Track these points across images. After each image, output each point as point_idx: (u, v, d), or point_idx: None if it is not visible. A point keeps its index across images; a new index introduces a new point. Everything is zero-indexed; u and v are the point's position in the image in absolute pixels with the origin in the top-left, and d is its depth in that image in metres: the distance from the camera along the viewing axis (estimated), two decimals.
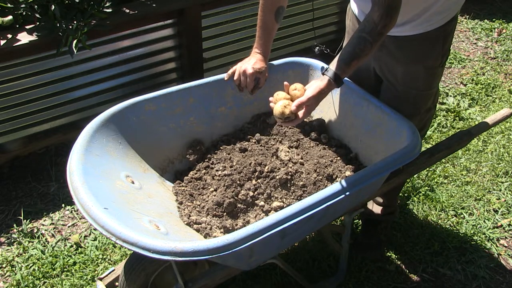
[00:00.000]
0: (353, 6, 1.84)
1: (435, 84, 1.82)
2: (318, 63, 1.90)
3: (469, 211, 2.47)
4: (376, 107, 1.71)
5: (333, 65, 1.48)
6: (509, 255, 2.26)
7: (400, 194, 2.47)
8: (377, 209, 2.20)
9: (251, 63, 1.77)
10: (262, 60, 1.79)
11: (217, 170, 1.69)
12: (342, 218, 2.03)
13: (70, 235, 2.30)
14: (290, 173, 1.64)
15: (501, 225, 2.40)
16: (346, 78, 1.78)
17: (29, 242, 2.24)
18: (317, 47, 2.94)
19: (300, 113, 1.47)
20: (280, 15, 1.75)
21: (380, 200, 2.18)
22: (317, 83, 1.49)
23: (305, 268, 2.13)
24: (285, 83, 1.59)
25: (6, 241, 2.25)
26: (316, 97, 1.48)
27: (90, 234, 2.30)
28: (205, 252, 1.17)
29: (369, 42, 1.43)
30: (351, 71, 1.49)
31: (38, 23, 2.28)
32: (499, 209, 2.48)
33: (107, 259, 2.17)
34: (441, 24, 1.64)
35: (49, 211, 2.41)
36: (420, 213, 2.43)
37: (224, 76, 1.81)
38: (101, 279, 1.72)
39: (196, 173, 1.74)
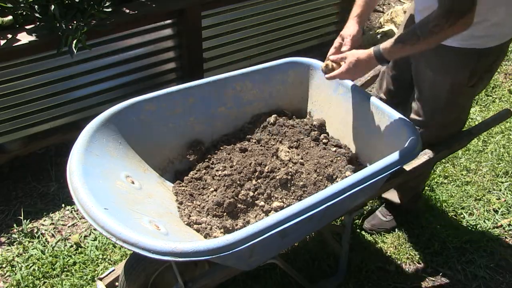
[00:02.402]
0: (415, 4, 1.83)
1: (458, 102, 1.80)
2: (318, 63, 1.90)
3: (469, 211, 2.47)
4: (376, 107, 1.71)
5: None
6: (509, 255, 2.26)
7: None
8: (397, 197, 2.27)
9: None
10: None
11: (217, 170, 1.69)
12: (342, 218, 2.04)
13: (70, 235, 2.30)
14: (290, 173, 1.64)
15: (501, 225, 2.40)
16: (348, 82, 1.80)
17: (29, 242, 2.24)
18: None
19: (340, 67, 1.61)
20: None
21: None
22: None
23: (305, 268, 2.13)
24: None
25: (6, 241, 2.25)
26: (355, 58, 1.58)
27: (90, 234, 2.30)
28: (205, 252, 1.16)
29: (417, 35, 1.45)
30: (395, 52, 1.53)
31: (38, 23, 2.27)
32: (499, 209, 2.48)
33: (107, 259, 2.17)
34: (477, 46, 1.63)
35: (49, 211, 2.41)
36: (420, 213, 2.43)
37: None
38: (101, 279, 1.72)
39: (196, 173, 1.74)
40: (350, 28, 1.73)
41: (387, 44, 1.53)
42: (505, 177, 2.68)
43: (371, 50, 1.56)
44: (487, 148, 2.87)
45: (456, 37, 1.53)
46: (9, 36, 2.23)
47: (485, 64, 1.68)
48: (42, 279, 2.08)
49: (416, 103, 1.88)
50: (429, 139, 1.84)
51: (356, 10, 1.75)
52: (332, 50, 1.75)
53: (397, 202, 2.26)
